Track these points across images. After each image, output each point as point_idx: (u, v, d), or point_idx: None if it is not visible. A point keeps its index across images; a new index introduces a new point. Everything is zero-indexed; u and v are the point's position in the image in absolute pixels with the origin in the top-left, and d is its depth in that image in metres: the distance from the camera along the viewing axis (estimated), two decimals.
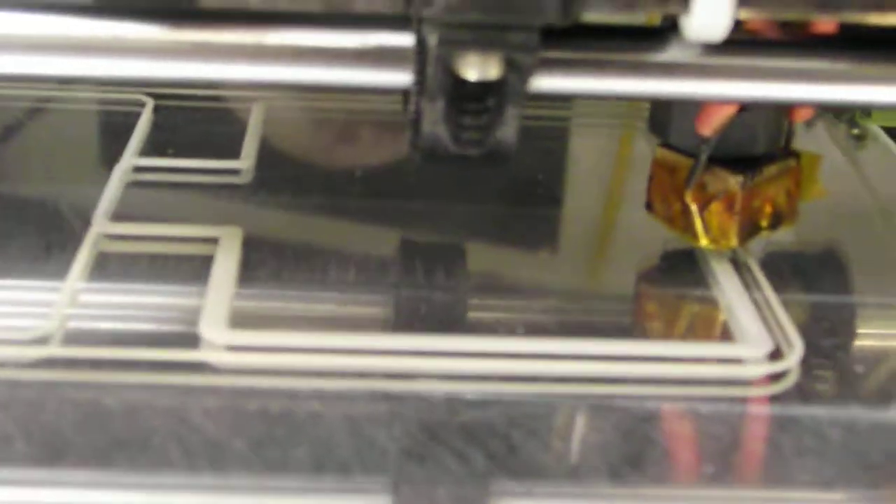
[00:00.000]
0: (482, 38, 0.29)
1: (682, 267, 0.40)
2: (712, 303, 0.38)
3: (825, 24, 0.34)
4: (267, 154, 0.46)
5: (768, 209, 0.39)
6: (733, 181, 0.38)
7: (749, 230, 0.39)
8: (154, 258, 0.39)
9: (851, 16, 0.32)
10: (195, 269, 0.38)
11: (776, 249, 0.41)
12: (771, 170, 0.39)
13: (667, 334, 0.37)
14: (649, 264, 0.41)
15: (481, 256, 0.40)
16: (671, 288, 0.40)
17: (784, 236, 0.41)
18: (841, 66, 0.33)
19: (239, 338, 0.34)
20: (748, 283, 0.38)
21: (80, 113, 0.50)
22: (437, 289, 0.38)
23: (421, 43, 0.30)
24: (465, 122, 0.31)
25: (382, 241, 0.41)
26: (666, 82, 0.33)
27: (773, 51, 0.33)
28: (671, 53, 0.32)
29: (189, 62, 0.32)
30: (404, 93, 0.32)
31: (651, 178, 0.40)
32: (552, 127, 0.51)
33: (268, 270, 0.38)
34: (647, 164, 0.40)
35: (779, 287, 0.38)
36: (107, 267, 0.38)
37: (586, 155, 0.49)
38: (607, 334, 0.36)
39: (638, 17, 0.32)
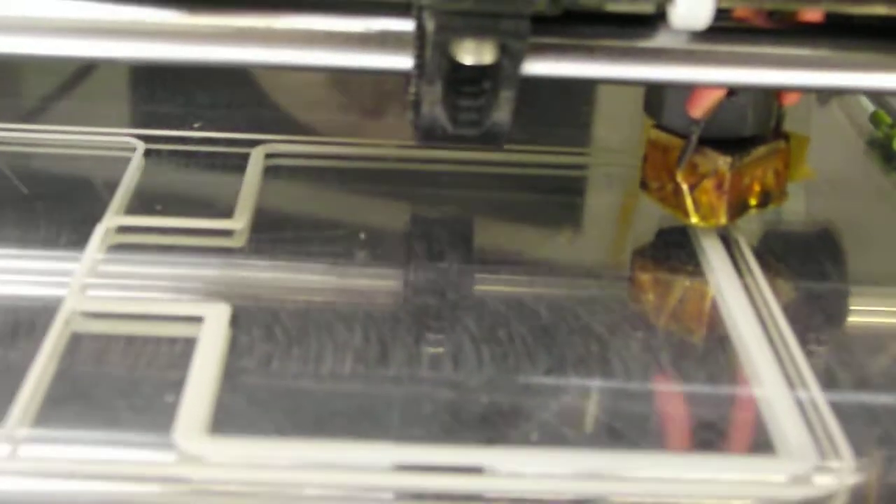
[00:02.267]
0: (477, 24, 0.32)
1: (717, 356, 0.36)
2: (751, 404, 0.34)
3: (812, 13, 0.36)
4: (264, 211, 0.42)
5: (757, 188, 0.41)
6: (722, 161, 0.40)
7: (738, 208, 0.41)
8: (131, 342, 0.35)
9: (831, 5, 0.34)
10: (176, 354, 0.34)
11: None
12: (760, 151, 0.41)
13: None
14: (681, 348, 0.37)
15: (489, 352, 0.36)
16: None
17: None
18: (824, 52, 0.35)
19: (219, 448, 0.31)
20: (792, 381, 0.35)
21: (64, 158, 0.46)
22: (445, 384, 0.34)
23: (420, 29, 0.33)
24: (462, 104, 0.33)
25: (386, 320, 0.37)
26: (654, 68, 0.35)
27: (759, 38, 0.35)
28: (659, 40, 0.34)
29: (198, 45, 0.34)
30: (406, 76, 0.34)
31: (645, 159, 0.42)
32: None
33: (257, 358, 0.35)
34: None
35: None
36: (79, 349, 0.34)
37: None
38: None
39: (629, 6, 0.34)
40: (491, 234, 0.43)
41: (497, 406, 0.33)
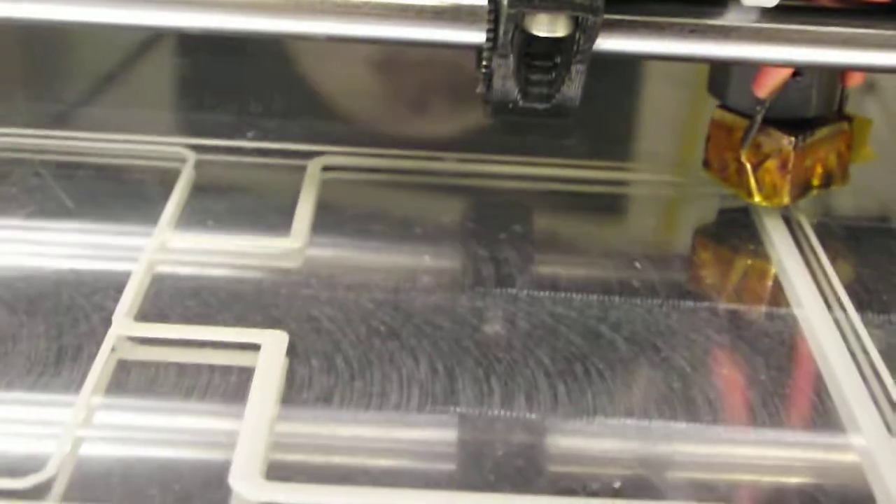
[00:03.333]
0: None
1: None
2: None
3: None
4: (321, 228, 0.40)
5: (819, 169, 0.41)
6: (786, 141, 0.40)
7: (801, 189, 0.41)
8: (182, 369, 0.32)
9: None
10: (231, 385, 0.32)
11: None
12: (823, 132, 0.41)
13: None
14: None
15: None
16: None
17: None
18: (891, 32, 0.35)
19: (278, 494, 0.28)
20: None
21: (111, 169, 0.43)
22: (520, 425, 0.31)
23: (494, 2, 0.33)
24: (534, 78, 0.34)
25: (454, 351, 0.34)
26: (723, 45, 0.35)
27: (827, 17, 0.35)
28: (729, 17, 0.35)
29: (267, 17, 0.35)
30: (477, 50, 0.35)
31: (709, 138, 0.42)
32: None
33: (316, 392, 0.32)
34: None
35: None
36: (127, 379, 0.32)
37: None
38: None
39: None
40: (560, 256, 0.40)
41: (574, 449, 0.31)
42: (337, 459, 0.30)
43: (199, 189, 0.42)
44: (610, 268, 0.39)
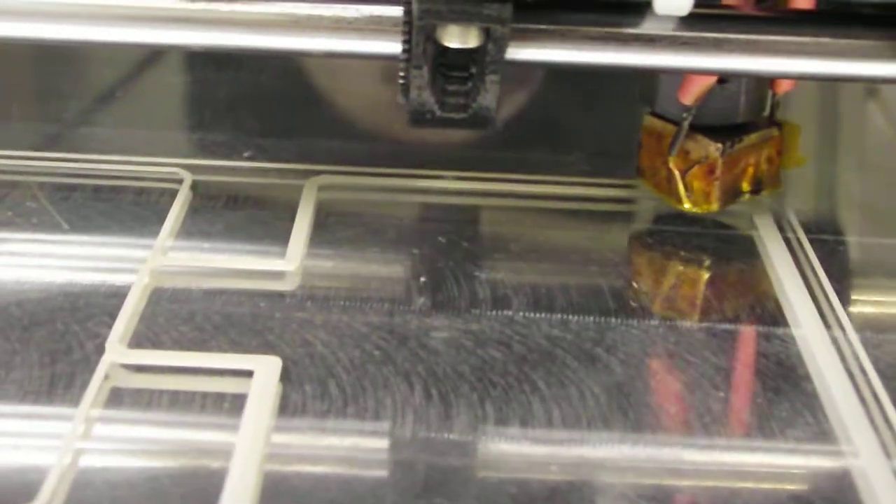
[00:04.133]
0: (460, 9, 0.33)
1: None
2: None
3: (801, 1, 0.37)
4: (317, 250, 0.40)
5: (749, 175, 0.42)
6: (714, 148, 0.41)
7: (731, 195, 0.42)
8: (175, 397, 0.32)
9: None
10: (224, 412, 0.32)
11: None
12: (752, 138, 0.42)
13: None
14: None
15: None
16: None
17: None
18: (813, 39, 0.36)
19: None
20: None
21: (106, 190, 0.43)
22: (514, 452, 0.31)
23: (408, 14, 0.34)
24: (450, 88, 0.35)
25: (448, 376, 0.34)
26: (638, 54, 0.35)
27: (747, 25, 0.36)
28: (645, 26, 0.35)
29: (185, 30, 0.35)
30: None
31: (640, 145, 0.43)
32: None
33: (308, 420, 0.32)
34: None
35: None
36: (120, 407, 0.32)
37: None
38: None
39: None
40: (557, 275, 0.40)
41: (571, 476, 0.31)
42: (330, 486, 0.30)
43: (196, 210, 0.42)
44: (607, 287, 0.39)
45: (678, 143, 0.41)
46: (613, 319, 0.37)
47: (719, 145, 0.41)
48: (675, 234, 0.42)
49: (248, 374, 0.33)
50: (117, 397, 0.32)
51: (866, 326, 0.37)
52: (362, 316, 0.36)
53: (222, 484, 0.29)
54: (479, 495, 0.30)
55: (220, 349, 0.34)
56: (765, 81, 0.42)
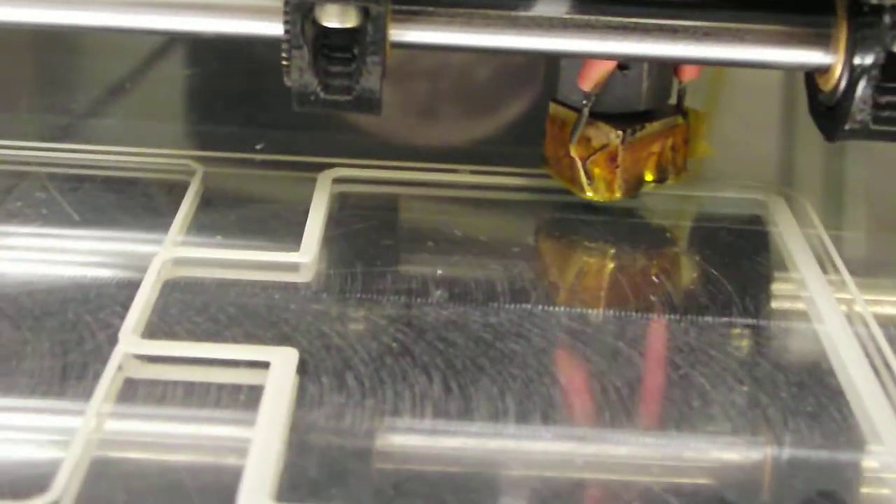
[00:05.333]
0: None
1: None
2: None
3: None
4: (332, 242, 0.39)
5: (652, 164, 0.41)
6: (614, 135, 0.40)
7: (633, 183, 0.41)
8: (191, 388, 0.32)
9: None
10: (240, 402, 0.31)
11: None
12: (655, 126, 0.41)
13: None
14: None
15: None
16: None
17: None
18: (712, 24, 0.35)
19: None
20: None
21: (117, 182, 0.43)
22: (535, 444, 0.31)
23: None
24: (334, 70, 0.34)
25: (468, 368, 0.33)
26: (528, 37, 0.35)
27: (644, 8, 0.35)
28: (536, 8, 0.35)
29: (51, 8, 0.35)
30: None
31: (545, 133, 0.42)
32: None
33: (326, 411, 0.31)
34: None
35: None
36: (134, 397, 0.31)
37: None
38: None
39: None
40: (575, 270, 0.39)
41: (595, 468, 0.30)
42: (349, 479, 0.29)
43: (208, 202, 0.41)
44: (627, 282, 0.38)
45: (578, 131, 0.40)
46: (646, 315, 0.36)
47: (620, 132, 0.40)
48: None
49: (265, 365, 0.32)
50: (131, 388, 0.32)
51: (889, 322, 0.37)
52: (379, 308, 0.36)
53: (240, 475, 0.28)
54: None
55: (235, 340, 0.34)
56: (668, 68, 0.41)
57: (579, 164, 0.41)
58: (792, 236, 0.41)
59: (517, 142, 0.48)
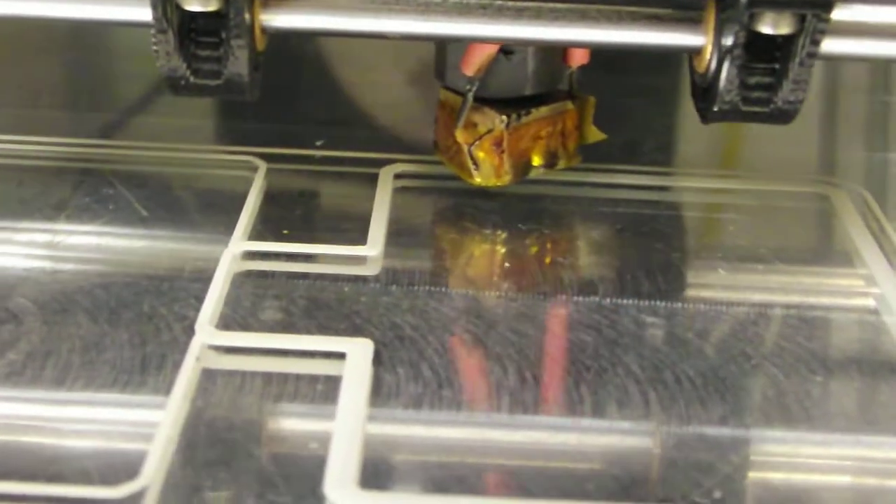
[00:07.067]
0: None
1: None
2: None
3: None
4: (397, 236, 0.39)
5: (540, 148, 0.41)
6: (498, 120, 0.40)
7: (521, 169, 0.41)
8: (268, 378, 0.32)
9: None
10: (319, 392, 0.31)
11: None
12: (542, 111, 0.41)
13: None
14: None
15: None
16: None
17: None
18: (583, 7, 0.35)
19: (374, 503, 0.28)
20: None
21: (182, 178, 0.43)
22: (611, 433, 0.31)
23: None
24: (202, 55, 0.34)
25: (540, 359, 0.33)
26: (403, 20, 0.35)
27: None
28: None
29: None
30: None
31: (436, 120, 0.42)
32: None
33: (404, 400, 0.32)
34: None
35: None
36: (213, 388, 0.32)
37: None
38: None
39: None
40: (639, 262, 0.39)
41: (671, 459, 0.30)
42: (433, 468, 0.29)
43: (272, 198, 0.41)
44: (692, 274, 0.38)
45: (463, 116, 0.40)
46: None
47: (504, 117, 0.40)
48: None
49: (341, 356, 0.33)
50: (210, 378, 0.32)
51: None
52: (448, 300, 0.36)
53: (324, 463, 0.29)
54: None
55: (309, 332, 0.34)
56: (556, 53, 0.40)
57: (465, 149, 0.40)
58: (855, 228, 0.41)
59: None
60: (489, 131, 0.40)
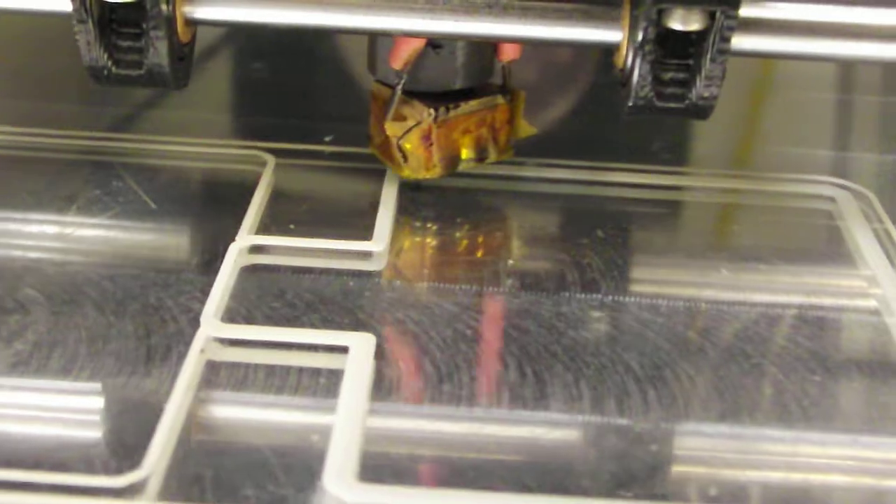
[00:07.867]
0: None
1: None
2: None
3: None
4: (402, 232, 0.40)
5: (469, 142, 0.41)
6: (427, 113, 0.40)
7: (450, 162, 0.41)
8: (271, 371, 0.32)
9: None
10: (321, 385, 0.32)
11: None
12: (472, 104, 0.41)
13: None
14: None
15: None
16: None
17: None
18: (505, 1, 0.35)
19: (372, 496, 0.28)
20: None
21: (190, 172, 0.43)
22: (610, 429, 0.31)
23: None
24: (121, 45, 0.34)
25: (542, 356, 0.34)
26: (324, 13, 0.35)
27: None
28: None
29: None
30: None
31: (370, 113, 0.42)
32: None
33: (405, 394, 0.32)
34: None
35: None
36: (217, 379, 0.32)
37: None
38: None
39: None
40: (644, 260, 0.40)
41: (668, 455, 0.30)
42: (432, 462, 0.30)
43: (280, 192, 0.42)
44: (695, 273, 0.39)
45: (392, 109, 0.40)
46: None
47: (431, 111, 0.40)
48: None
49: (344, 349, 0.33)
50: (213, 370, 0.32)
51: None
52: (451, 296, 0.36)
53: (324, 456, 0.29)
54: None
55: (313, 325, 0.34)
56: (486, 47, 0.40)
57: (395, 142, 0.41)
58: (859, 229, 0.41)
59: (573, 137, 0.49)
60: (417, 124, 0.40)
